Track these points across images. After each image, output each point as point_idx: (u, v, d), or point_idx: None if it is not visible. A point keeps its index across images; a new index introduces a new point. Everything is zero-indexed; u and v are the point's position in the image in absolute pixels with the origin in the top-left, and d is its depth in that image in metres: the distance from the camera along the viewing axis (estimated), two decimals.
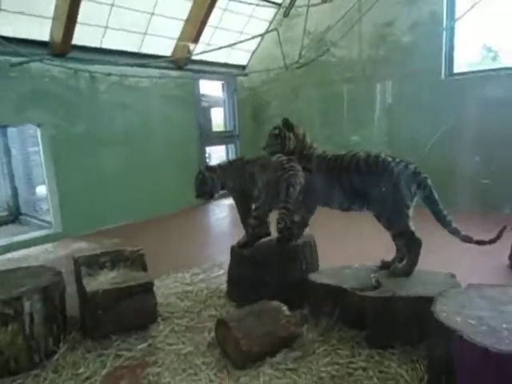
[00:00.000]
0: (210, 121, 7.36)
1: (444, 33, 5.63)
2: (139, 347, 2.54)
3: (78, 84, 5.40)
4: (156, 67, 6.24)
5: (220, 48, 5.04)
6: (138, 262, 2.80)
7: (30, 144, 5.97)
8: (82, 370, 2.34)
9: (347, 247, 4.13)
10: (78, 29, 5.11)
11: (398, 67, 6.00)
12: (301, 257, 2.90)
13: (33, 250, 4.85)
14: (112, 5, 5.30)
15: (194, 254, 4.46)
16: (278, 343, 2.37)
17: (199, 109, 7.00)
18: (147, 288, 2.62)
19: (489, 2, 4.95)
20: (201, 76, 6.96)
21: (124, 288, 2.52)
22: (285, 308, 2.50)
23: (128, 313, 2.56)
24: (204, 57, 6.54)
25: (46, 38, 5.11)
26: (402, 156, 2.65)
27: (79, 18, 5.00)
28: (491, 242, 2.40)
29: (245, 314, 2.46)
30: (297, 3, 4.18)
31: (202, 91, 7.13)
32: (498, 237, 2.38)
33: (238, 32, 7.03)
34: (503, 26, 5.41)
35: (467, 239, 2.45)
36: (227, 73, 7.32)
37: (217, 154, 8.20)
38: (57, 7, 4.84)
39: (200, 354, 2.45)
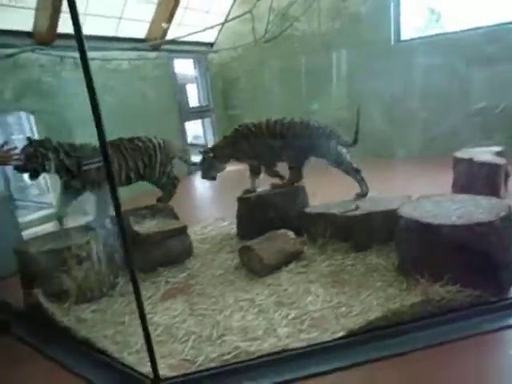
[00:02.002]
0: (186, 97, 7.87)
1: (392, 3, 6.43)
2: (181, 275, 3.27)
3: (65, 71, 5.75)
4: (134, 49, 6.62)
5: (205, 29, 5.56)
6: (169, 213, 3.49)
7: (13, 133, 6.23)
8: (142, 293, 3.03)
9: (327, 194, 4.97)
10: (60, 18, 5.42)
11: (353, 37, 6.77)
12: (297, 197, 3.71)
13: (46, 226, 5.32)
14: None
15: (195, 213, 5.14)
16: (289, 257, 3.18)
17: (176, 87, 7.49)
18: (183, 230, 3.33)
19: None
20: (175, 55, 7.41)
21: (167, 231, 3.22)
22: (290, 232, 3.30)
23: (171, 250, 3.26)
24: (176, 36, 6.97)
25: (29, 28, 5.40)
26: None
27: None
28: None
29: (261, 240, 3.24)
30: None
31: (176, 70, 7.59)
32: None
33: (205, 11, 7.49)
34: None
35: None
36: (199, 51, 7.80)
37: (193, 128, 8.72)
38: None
39: (230, 273, 3.23)
